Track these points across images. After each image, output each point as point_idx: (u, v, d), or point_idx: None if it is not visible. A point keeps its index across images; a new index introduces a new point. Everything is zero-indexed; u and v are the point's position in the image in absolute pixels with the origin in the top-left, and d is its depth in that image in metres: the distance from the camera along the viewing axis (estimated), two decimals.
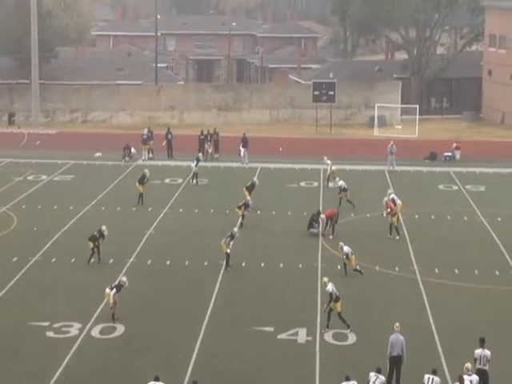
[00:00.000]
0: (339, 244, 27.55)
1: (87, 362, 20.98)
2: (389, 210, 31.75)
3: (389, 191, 34.16)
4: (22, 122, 56.83)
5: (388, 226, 31.64)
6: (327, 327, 22.85)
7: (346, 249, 27.20)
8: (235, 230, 28.52)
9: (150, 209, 35.40)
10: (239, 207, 32.87)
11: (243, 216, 32.75)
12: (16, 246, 29.93)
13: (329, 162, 39.75)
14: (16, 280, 26.62)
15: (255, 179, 36.64)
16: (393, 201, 32.33)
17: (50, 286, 26.17)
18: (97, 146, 47.73)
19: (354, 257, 27.36)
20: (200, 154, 42.10)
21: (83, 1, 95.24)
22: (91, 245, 27.92)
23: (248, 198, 34.42)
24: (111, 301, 23.18)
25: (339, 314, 22.86)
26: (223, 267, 27.89)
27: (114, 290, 23.29)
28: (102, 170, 43.06)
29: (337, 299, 22.86)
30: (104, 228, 28.49)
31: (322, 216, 32.15)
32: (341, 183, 35.77)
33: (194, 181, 40.04)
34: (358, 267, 27.48)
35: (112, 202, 36.63)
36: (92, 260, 28.10)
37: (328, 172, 39.77)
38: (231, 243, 27.75)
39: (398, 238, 31.48)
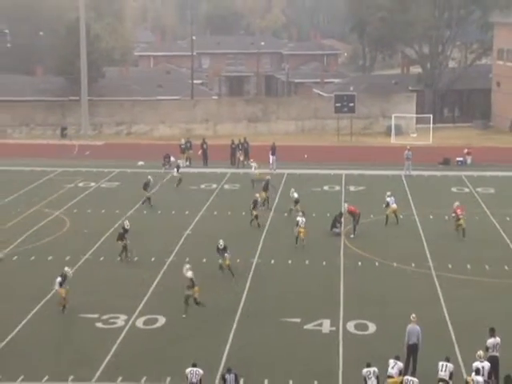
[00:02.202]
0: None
1: (132, 350, 21.13)
2: (453, 214, 31.38)
3: (387, 193, 33.87)
4: (73, 135, 57.38)
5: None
6: (185, 312, 23.04)
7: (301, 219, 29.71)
8: (221, 242, 26.90)
9: (187, 212, 35.55)
10: (252, 208, 32.80)
11: (256, 216, 32.57)
12: (69, 246, 30.23)
13: (296, 195, 34.67)
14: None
15: (268, 177, 36.79)
16: (459, 207, 31.76)
17: (99, 282, 26.39)
18: (139, 156, 48.05)
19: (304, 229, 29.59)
20: (180, 162, 42.42)
21: (127, 25, 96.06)
22: (120, 243, 28.20)
23: (264, 195, 34.94)
24: (63, 295, 23.35)
25: (195, 299, 23.16)
26: (253, 264, 27.93)
27: (59, 281, 23.45)
28: (144, 177, 43.31)
29: (194, 285, 23.18)
30: (127, 223, 28.86)
31: (345, 205, 32.26)
32: (296, 195, 34.44)
33: (176, 186, 40.16)
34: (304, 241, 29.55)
35: (154, 205, 36.81)
36: (123, 255, 28.37)
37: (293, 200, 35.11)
38: (227, 255, 26.70)
39: (465, 239, 30.89)
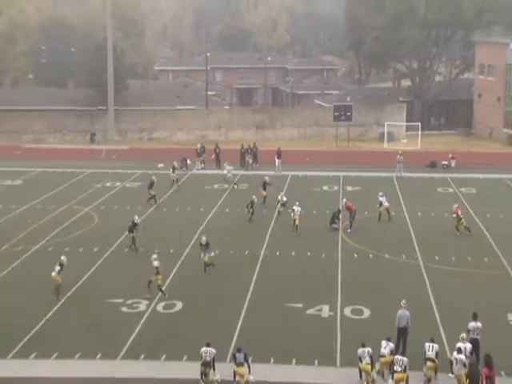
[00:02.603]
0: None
1: (153, 332, 21.17)
2: (455, 215, 31.12)
3: (380, 193, 33.72)
4: (101, 140, 57.45)
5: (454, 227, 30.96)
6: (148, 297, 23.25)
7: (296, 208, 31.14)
8: (203, 238, 26.88)
9: (201, 209, 35.56)
10: (247, 206, 32.91)
11: (252, 212, 32.77)
12: (97, 239, 30.26)
13: (285, 198, 34.19)
14: (97, 266, 26.96)
15: (266, 178, 36.92)
16: (459, 207, 31.50)
17: (124, 271, 26.42)
18: (160, 159, 48.06)
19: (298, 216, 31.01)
20: (175, 163, 41.32)
21: (148, 43, 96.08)
22: (130, 235, 28.22)
23: (264, 193, 35.34)
24: (59, 281, 23.42)
25: (159, 285, 23.26)
26: (261, 256, 27.96)
27: (58, 270, 23.54)
28: (164, 178, 43.39)
29: (158, 273, 23.37)
30: (136, 217, 29.05)
31: (344, 201, 32.33)
32: (285, 199, 34.25)
33: (175, 186, 39.94)
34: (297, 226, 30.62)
35: (172, 203, 36.88)
36: (132, 246, 28.42)
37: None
38: (205, 252, 26.37)
39: (458, 234, 30.62)
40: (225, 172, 41.45)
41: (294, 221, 31.23)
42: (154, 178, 37.49)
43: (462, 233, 30.79)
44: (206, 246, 26.56)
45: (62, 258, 24.31)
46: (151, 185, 36.79)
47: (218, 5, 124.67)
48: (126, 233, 28.91)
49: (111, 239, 30.06)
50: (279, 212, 33.97)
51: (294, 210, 31.52)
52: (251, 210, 32.89)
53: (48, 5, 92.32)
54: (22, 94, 67.77)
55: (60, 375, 18.67)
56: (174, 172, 40.27)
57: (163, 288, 23.68)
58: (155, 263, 23.88)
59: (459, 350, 17.82)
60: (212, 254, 26.46)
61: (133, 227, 28.66)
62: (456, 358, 17.67)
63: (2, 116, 58.89)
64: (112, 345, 20.16)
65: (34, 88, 76.43)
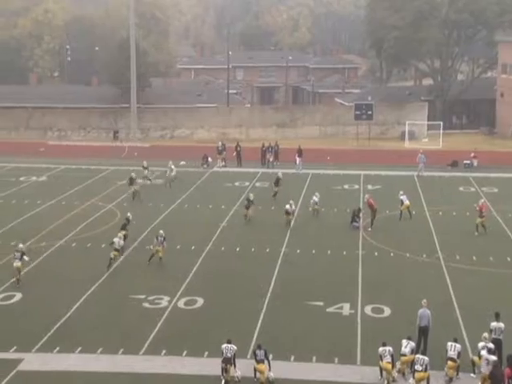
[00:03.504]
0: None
1: (174, 327, 21.19)
2: (478, 208, 30.67)
3: (400, 192, 33.50)
4: (124, 138, 57.76)
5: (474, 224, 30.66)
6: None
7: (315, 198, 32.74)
8: (161, 232, 26.84)
9: (223, 206, 35.55)
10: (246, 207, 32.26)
11: (247, 214, 32.19)
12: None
13: (173, 166, 34.81)
14: (119, 262, 26.93)
15: (279, 174, 36.68)
16: (484, 204, 31.01)
17: (145, 267, 26.45)
18: (181, 156, 48.14)
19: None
20: (171, 162, 40.72)
21: (171, 41, 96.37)
22: (123, 232, 27.99)
23: (276, 189, 35.69)
24: (20, 269, 24.09)
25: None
26: (281, 253, 27.87)
27: (20, 258, 24.15)
28: (185, 175, 43.52)
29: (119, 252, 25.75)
30: (129, 214, 29.43)
31: (367, 197, 32.15)
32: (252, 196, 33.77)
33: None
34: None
35: (193, 200, 36.92)
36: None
37: (167, 174, 36.45)
38: (163, 243, 26.54)
39: (476, 234, 30.30)
40: (169, 172, 40.01)
41: (314, 210, 32.60)
42: (133, 174, 37.31)
43: (479, 233, 30.36)
44: (163, 240, 26.56)
45: (21, 246, 24.95)
46: (131, 181, 36.62)
47: (239, 4, 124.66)
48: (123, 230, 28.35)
49: (133, 235, 29.98)
50: (315, 211, 33.54)
51: (313, 201, 32.90)
52: (247, 211, 32.24)
53: (73, 4, 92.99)
54: (47, 91, 68.35)
55: (83, 369, 18.75)
56: (132, 184, 37.14)
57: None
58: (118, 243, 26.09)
59: (490, 351, 17.54)
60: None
61: (125, 225, 28.55)
62: (487, 359, 17.38)
63: (28, 113, 59.44)
64: (134, 340, 20.21)
65: (59, 86, 77.12)
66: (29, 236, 29.74)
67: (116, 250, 26.09)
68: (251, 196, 33.12)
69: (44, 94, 66.03)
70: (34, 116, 59.04)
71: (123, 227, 28.54)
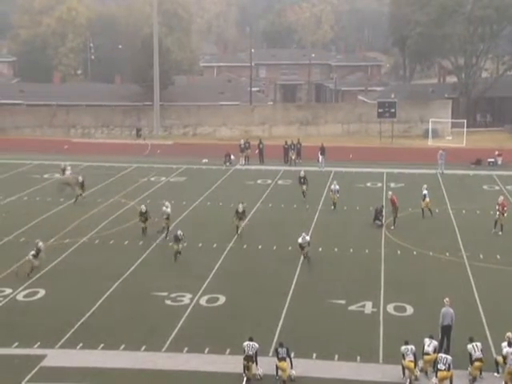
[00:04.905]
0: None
1: (196, 325, 21.24)
2: (500, 207, 30.27)
3: (424, 186, 33.30)
4: (147, 135, 58.06)
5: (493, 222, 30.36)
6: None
7: (334, 186, 33.55)
8: (180, 232, 26.66)
9: (245, 204, 35.48)
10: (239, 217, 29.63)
11: (238, 225, 29.68)
12: (142, 232, 30.51)
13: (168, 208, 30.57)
14: (142, 259, 27.16)
15: (302, 172, 36.47)
16: (504, 201, 30.46)
17: (168, 265, 26.57)
18: (204, 154, 48.32)
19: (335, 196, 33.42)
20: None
21: (193, 39, 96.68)
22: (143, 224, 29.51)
23: (303, 188, 35.39)
24: (35, 264, 24.57)
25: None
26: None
27: (32, 255, 24.61)
28: (208, 173, 43.66)
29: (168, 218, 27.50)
30: (143, 207, 30.02)
31: (390, 193, 31.99)
32: (337, 187, 34.11)
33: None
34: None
35: (216, 198, 36.99)
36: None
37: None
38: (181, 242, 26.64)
39: (500, 233, 29.97)
40: (65, 174, 39.31)
41: (334, 203, 33.59)
42: (80, 177, 36.09)
43: (503, 231, 30.02)
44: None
45: (38, 242, 25.27)
46: (81, 184, 35.57)
47: (262, 1, 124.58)
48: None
49: (156, 233, 30.23)
50: (334, 203, 34.09)
51: (332, 189, 33.91)
52: (236, 219, 29.65)
53: (96, 2, 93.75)
54: (71, 89, 69.08)
55: (105, 366, 18.90)
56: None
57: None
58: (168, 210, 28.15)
59: (510, 344, 17.37)
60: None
61: (144, 216, 29.48)
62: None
63: (52, 111, 60.06)
64: (156, 337, 20.31)
65: (83, 84, 77.83)
66: (52, 233, 30.05)
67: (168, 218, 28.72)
68: (240, 207, 29.77)
69: (68, 91, 66.72)
70: (58, 114, 59.62)
71: (144, 220, 29.65)
